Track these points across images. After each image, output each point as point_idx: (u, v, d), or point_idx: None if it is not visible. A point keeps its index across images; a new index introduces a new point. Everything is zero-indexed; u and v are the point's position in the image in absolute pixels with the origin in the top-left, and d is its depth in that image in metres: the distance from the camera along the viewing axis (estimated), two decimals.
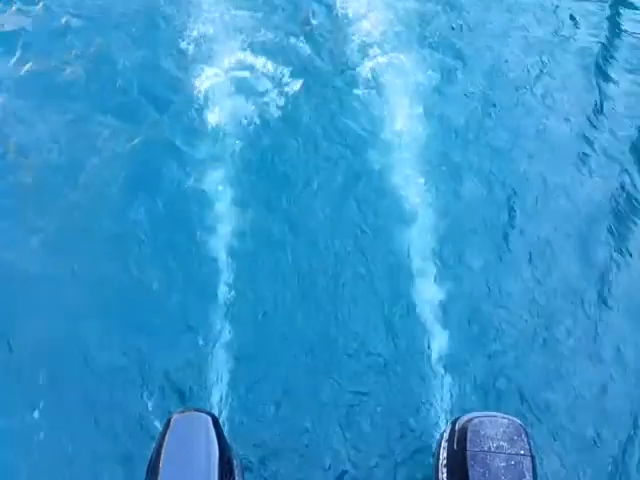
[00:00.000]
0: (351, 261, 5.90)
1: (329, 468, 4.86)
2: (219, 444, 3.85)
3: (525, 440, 3.82)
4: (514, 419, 3.91)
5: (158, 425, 4.80)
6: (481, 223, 6.26)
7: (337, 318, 5.56)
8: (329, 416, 5.07)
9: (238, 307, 5.56)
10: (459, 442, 3.84)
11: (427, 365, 5.34)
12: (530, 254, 6.09)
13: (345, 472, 4.86)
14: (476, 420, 3.90)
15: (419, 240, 6.05)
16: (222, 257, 5.85)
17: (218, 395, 5.06)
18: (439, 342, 5.46)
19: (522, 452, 3.79)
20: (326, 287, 5.73)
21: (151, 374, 5.18)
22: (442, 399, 5.16)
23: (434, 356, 5.39)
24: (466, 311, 5.69)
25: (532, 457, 3.79)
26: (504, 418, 3.90)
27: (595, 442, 5.10)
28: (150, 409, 5.02)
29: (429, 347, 5.44)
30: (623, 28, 8.27)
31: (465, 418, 3.96)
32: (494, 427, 3.86)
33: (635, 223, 6.41)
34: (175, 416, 3.92)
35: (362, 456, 4.93)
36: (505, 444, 3.80)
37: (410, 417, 5.10)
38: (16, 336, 5.38)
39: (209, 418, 3.97)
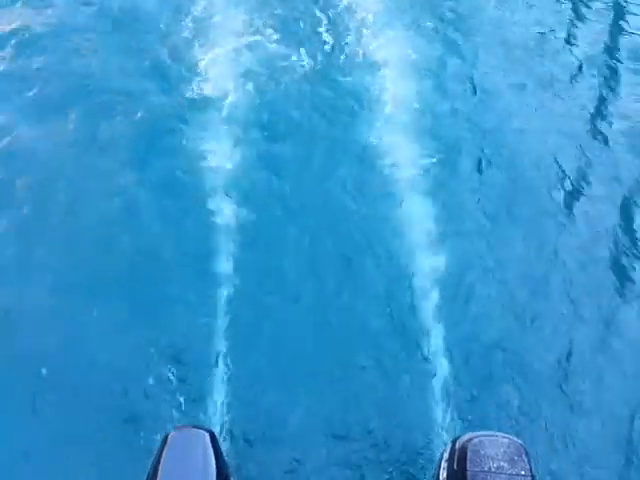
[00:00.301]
0: (349, 238, 5.97)
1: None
2: (216, 461, 3.81)
3: (525, 460, 3.77)
4: (515, 439, 3.87)
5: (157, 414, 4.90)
6: (475, 198, 6.31)
7: (336, 299, 5.59)
8: (325, 410, 5.05)
9: (238, 289, 5.60)
10: (459, 462, 3.79)
11: (424, 347, 5.33)
12: (524, 227, 6.14)
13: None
14: (476, 440, 3.86)
15: (415, 217, 6.08)
16: (223, 233, 5.93)
17: (216, 378, 5.09)
18: (435, 321, 5.47)
19: (522, 472, 3.74)
20: (325, 267, 5.79)
21: (150, 358, 5.20)
22: (438, 384, 5.15)
23: (429, 338, 5.39)
24: (461, 287, 5.71)
25: (532, 477, 3.74)
26: (504, 438, 3.86)
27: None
28: (149, 392, 5.05)
29: (425, 329, 5.44)
30: (624, 17, 8.27)
31: (465, 437, 3.91)
32: (494, 447, 3.81)
33: (629, 197, 6.42)
34: (173, 432, 3.89)
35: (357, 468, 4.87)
36: (505, 464, 3.75)
37: (409, 423, 5.05)
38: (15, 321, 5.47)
39: (207, 434, 3.94)
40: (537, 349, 5.44)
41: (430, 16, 7.92)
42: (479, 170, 6.55)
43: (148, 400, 4.92)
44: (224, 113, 6.86)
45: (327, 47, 7.52)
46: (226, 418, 4.87)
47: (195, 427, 4.00)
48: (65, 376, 5.10)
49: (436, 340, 5.39)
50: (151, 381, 5.01)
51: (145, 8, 7.87)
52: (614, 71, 7.54)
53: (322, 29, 7.65)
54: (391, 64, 7.35)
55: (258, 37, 7.49)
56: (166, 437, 3.83)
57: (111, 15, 7.79)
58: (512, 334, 5.50)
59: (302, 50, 7.40)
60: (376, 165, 6.48)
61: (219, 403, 4.93)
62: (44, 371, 5.11)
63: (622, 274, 5.88)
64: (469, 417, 5.02)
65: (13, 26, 7.61)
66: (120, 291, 5.53)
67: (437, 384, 5.18)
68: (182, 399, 4.95)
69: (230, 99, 6.96)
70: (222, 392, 4.99)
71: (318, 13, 7.84)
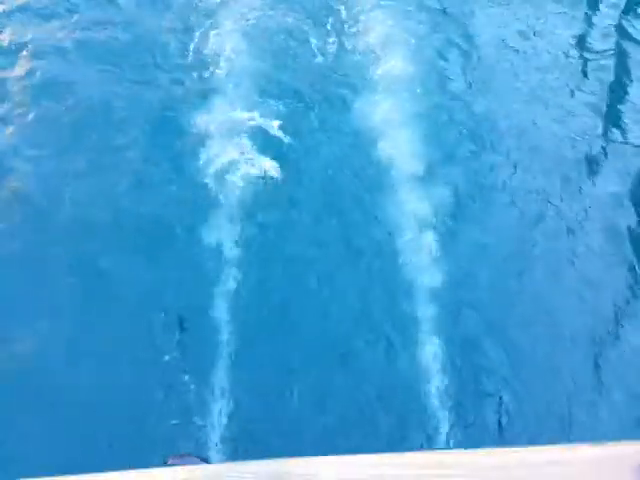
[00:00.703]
0: (347, 221, 5.96)
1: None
2: None
3: None
4: None
5: None
6: (471, 181, 6.25)
7: (335, 279, 5.58)
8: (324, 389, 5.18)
9: (241, 271, 5.61)
10: None
11: (418, 325, 5.37)
12: (516, 202, 6.15)
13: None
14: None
15: (411, 201, 6.04)
16: (226, 212, 5.94)
17: (219, 362, 5.17)
18: (429, 301, 5.51)
19: None
20: (326, 248, 5.77)
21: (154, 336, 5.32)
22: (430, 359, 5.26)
23: (425, 317, 5.44)
24: (456, 267, 5.72)
25: None
26: None
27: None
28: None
29: (420, 306, 5.47)
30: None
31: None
32: None
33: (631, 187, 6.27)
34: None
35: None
36: None
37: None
38: None
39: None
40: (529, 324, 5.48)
41: (430, 8, 7.67)
42: (476, 154, 6.45)
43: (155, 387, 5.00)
44: (228, 96, 6.77)
45: (333, 34, 7.32)
46: (228, 401, 4.91)
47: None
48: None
49: (430, 319, 5.41)
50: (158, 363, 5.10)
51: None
52: (621, 70, 7.16)
53: (329, 21, 7.44)
54: (392, 49, 7.19)
55: (266, 15, 7.35)
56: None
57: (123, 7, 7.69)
58: (499, 303, 5.58)
59: (310, 35, 7.26)
60: (375, 149, 6.36)
61: (222, 386, 4.90)
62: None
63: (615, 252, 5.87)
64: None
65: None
66: (124, 266, 5.54)
67: (430, 359, 5.23)
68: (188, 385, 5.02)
69: (235, 82, 6.87)
70: (226, 375, 4.91)
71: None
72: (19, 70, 7.10)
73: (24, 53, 7.21)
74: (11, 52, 7.23)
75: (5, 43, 7.34)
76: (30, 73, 7.05)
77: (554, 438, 4.86)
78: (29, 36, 7.35)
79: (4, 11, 7.68)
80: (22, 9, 7.65)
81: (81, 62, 7.20)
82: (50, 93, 6.87)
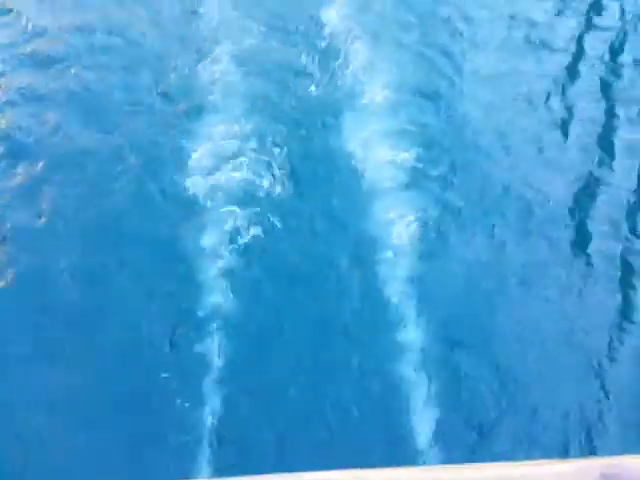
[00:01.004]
0: (335, 239, 6.15)
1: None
2: None
3: None
4: None
5: None
6: (449, 194, 6.44)
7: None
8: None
9: (235, 275, 5.82)
10: None
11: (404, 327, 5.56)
12: (498, 223, 6.35)
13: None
14: None
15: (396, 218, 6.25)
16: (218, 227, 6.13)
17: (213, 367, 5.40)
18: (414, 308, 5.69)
19: None
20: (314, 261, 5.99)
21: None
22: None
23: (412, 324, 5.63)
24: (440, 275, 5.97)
25: None
26: None
27: None
28: None
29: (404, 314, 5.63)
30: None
31: None
32: None
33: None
34: None
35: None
36: None
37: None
38: None
39: None
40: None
41: (414, 40, 7.82)
42: (454, 169, 6.64)
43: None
44: (222, 118, 6.93)
45: (322, 62, 7.51)
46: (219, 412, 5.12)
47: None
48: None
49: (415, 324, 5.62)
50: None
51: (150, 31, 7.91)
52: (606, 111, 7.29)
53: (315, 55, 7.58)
54: (377, 77, 7.33)
55: (259, 44, 7.55)
56: None
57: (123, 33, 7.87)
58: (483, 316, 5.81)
59: (300, 63, 7.48)
60: (359, 169, 6.56)
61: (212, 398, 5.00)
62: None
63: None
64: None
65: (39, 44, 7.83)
66: (123, 277, 5.77)
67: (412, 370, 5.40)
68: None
69: (229, 105, 7.02)
70: (216, 386, 5.01)
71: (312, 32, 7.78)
72: (26, 108, 7.29)
73: (27, 93, 7.39)
74: (10, 90, 7.36)
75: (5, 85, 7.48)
76: (41, 101, 7.31)
77: (534, 453, 4.94)
78: (34, 76, 7.53)
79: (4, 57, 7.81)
80: (23, 54, 7.75)
81: (84, 85, 7.43)
82: (55, 118, 7.14)
